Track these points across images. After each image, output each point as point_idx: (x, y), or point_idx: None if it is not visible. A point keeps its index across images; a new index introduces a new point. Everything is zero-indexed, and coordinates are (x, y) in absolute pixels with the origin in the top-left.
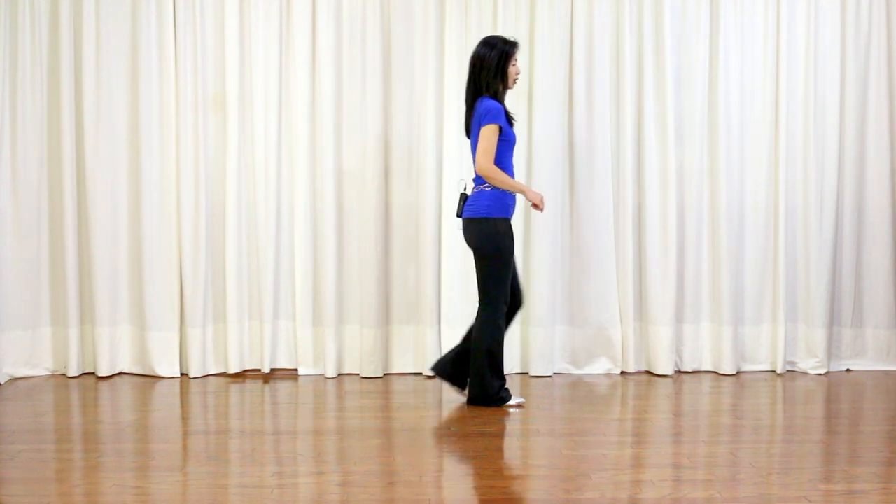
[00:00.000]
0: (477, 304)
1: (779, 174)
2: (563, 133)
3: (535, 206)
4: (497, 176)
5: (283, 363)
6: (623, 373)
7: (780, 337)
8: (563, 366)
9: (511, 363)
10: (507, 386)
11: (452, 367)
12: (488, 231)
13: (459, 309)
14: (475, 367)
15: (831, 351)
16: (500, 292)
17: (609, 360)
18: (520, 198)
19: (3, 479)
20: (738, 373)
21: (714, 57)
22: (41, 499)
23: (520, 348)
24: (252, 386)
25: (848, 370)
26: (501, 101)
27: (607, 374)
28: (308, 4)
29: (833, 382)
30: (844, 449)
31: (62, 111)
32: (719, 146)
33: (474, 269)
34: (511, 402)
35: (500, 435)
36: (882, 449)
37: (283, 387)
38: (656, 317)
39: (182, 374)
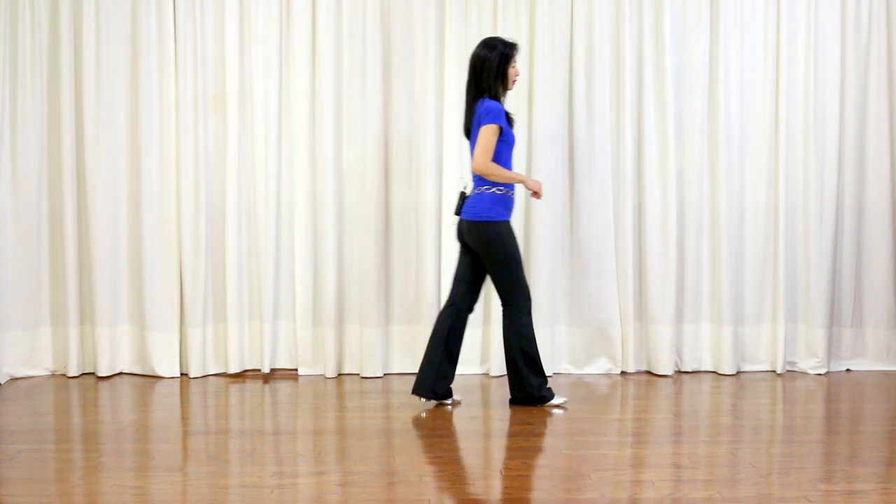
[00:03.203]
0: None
1: (779, 174)
2: (563, 133)
3: (535, 193)
4: (494, 171)
5: (283, 363)
6: (623, 373)
7: (780, 337)
8: (563, 366)
9: None
10: (549, 385)
11: (433, 381)
12: (492, 234)
13: None
14: (512, 369)
15: (831, 351)
16: (517, 291)
17: (609, 360)
18: (518, 195)
19: (3, 479)
20: (738, 373)
21: (714, 57)
22: (41, 499)
23: None
24: (252, 386)
25: (848, 370)
26: (501, 103)
27: (607, 374)
28: (308, 4)
29: (833, 382)
30: (844, 449)
31: (62, 111)
32: (719, 146)
33: (471, 271)
34: (553, 402)
35: (500, 435)
36: (882, 449)
37: (283, 387)
38: (656, 317)
39: (182, 374)
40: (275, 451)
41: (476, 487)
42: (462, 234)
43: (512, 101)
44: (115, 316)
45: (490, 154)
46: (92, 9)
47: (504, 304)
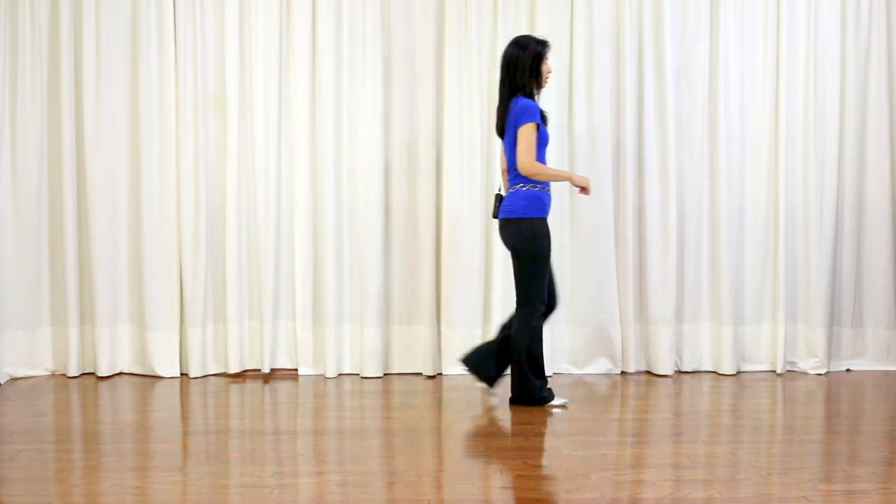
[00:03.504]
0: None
1: (779, 174)
2: (564, 133)
3: (583, 189)
4: (541, 170)
5: (283, 363)
6: (623, 373)
7: (780, 337)
8: (563, 366)
9: None
10: (549, 386)
11: (482, 360)
12: (526, 231)
13: (459, 309)
14: (516, 367)
15: (831, 351)
16: (537, 292)
17: (609, 360)
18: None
19: (3, 479)
20: (738, 373)
21: (714, 57)
22: (41, 499)
23: None
24: (252, 386)
25: (848, 370)
26: (535, 100)
27: (607, 374)
28: (308, 4)
29: (833, 382)
30: (844, 449)
31: (62, 111)
32: (719, 146)
33: (512, 269)
34: (554, 402)
35: (500, 435)
36: (882, 449)
37: (283, 387)
38: (656, 317)
39: (182, 374)
40: (275, 451)
41: (476, 487)
42: (501, 236)
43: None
44: (115, 316)
45: (533, 153)
46: (92, 9)
47: (519, 302)
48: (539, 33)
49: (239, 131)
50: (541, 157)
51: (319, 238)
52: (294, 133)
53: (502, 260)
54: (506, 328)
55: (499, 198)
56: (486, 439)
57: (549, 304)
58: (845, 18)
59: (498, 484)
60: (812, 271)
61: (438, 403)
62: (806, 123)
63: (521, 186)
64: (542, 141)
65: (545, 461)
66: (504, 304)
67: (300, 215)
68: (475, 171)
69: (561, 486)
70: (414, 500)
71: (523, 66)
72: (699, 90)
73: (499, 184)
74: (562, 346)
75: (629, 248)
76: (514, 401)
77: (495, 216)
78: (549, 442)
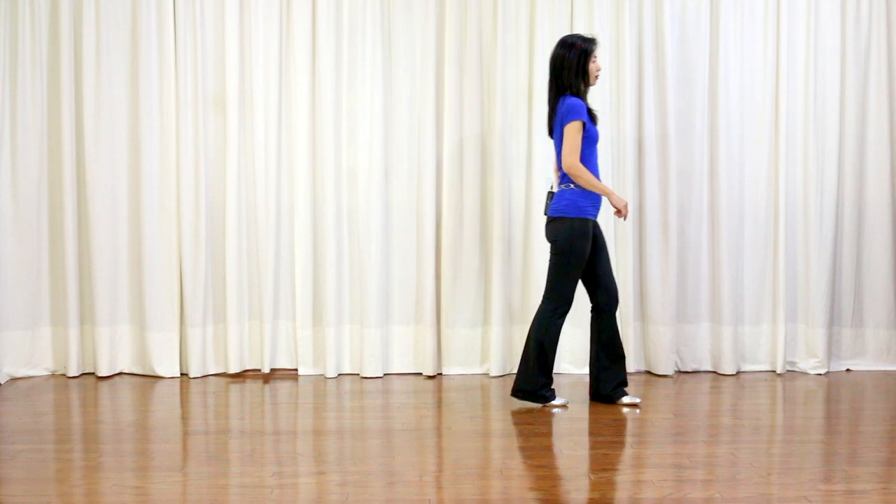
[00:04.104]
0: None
1: (779, 174)
2: None
3: (618, 212)
4: (582, 175)
5: (283, 363)
6: None
7: (780, 337)
8: (563, 366)
9: (512, 363)
10: (552, 386)
11: (610, 380)
12: (564, 229)
13: (459, 309)
14: (524, 359)
15: (831, 351)
16: (564, 290)
17: None
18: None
19: (3, 479)
20: (738, 373)
21: (714, 57)
22: (41, 499)
23: (520, 348)
24: (252, 386)
25: (848, 370)
26: (584, 99)
27: None
28: (308, 4)
29: (833, 382)
30: (844, 449)
31: (62, 111)
32: (719, 146)
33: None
34: (554, 402)
35: (499, 435)
36: (882, 449)
37: (283, 387)
38: (656, 317)
39: (182, 374)
40: (275, 451)
41: (477, 487)
42: (546, 231)
43: (512, 102)
44: (114, 316)
45: (577, 152)
46: (92, 9)
47: (545, 297)
48: (538, 34)
49: (239, 131)
50: (590, 154)
51: (319, 238)
52: (294, 133)
53: (502, 260)
54: (592, 342)
55: (550, 195)
56: (486, 439)
57: (609, 299)
58: (845, 18)
59: (498, 484)
60: (812, 271)
61: (438, 403)
62: (806, 123)
63: (567, 186)
64: (590, 139)
65: (545, 461)
66: (504, 303)
67: (300, 215)
68: (476, 170)
69: (561, 486)
70: (414, 500)
71: (569, 65)
72: (699, 90)
73: (552, 181)
74: (562, 346)
75: (629, 248)
76: (515, 393)
77: (546, 213)
78: (549, 442)
